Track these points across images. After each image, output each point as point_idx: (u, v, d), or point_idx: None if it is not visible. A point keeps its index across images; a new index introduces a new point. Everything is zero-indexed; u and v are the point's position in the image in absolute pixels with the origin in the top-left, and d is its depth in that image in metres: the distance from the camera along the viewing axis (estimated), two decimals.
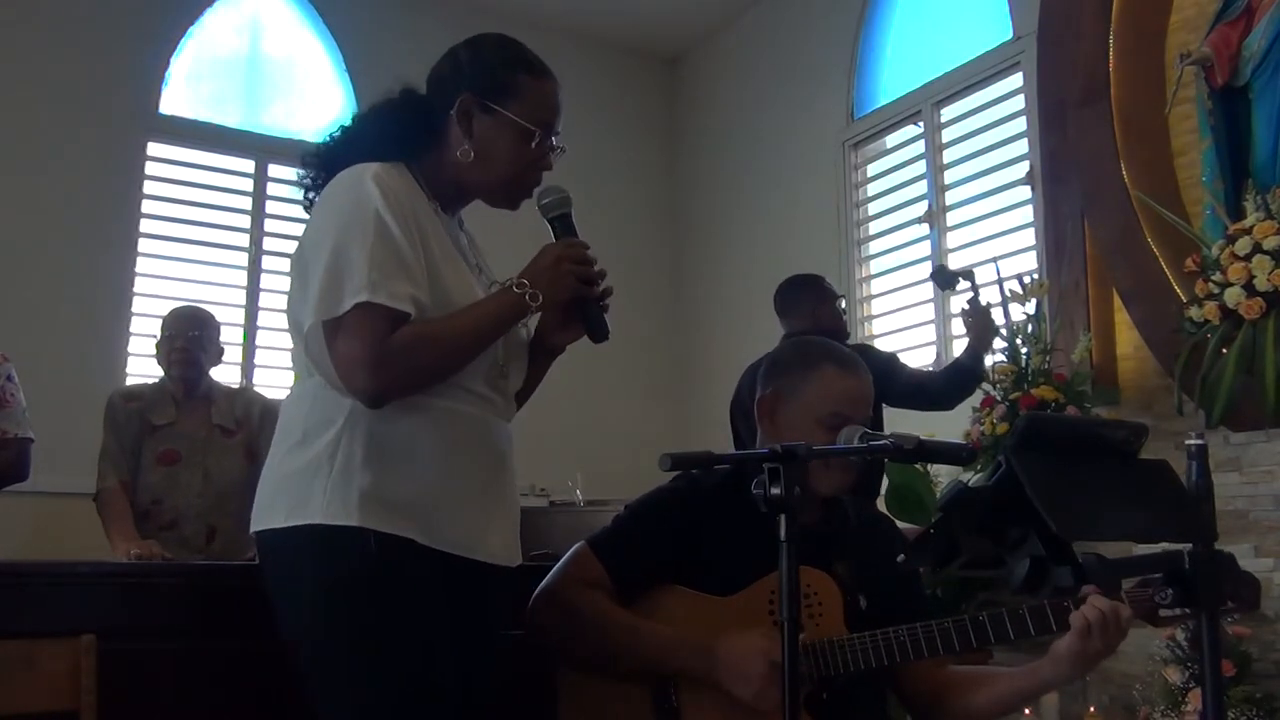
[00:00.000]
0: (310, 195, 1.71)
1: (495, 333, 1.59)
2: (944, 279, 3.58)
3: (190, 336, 3.06)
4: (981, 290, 3.45)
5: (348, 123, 1.74)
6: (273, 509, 1.57)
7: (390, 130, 1.67)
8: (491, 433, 1.65)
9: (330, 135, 1.72)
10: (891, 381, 3.21)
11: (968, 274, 3.48)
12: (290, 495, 1.54)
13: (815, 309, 3.44)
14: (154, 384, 3.16)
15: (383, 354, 1.48)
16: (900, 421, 3.28)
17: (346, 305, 1.49)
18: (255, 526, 1.60)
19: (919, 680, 1.82)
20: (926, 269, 4.59)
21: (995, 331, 3.47)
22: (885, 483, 3.43)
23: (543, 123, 1.67)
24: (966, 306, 3.42)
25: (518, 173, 1.69)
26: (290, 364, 5.47)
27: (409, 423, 1.55)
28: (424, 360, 1.53)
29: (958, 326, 4.38)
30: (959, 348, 4.31)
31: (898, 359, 3.43)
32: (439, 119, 1.68)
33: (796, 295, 3.51)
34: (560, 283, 1.61)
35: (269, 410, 3.17)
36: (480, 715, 1.62)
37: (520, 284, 1.60)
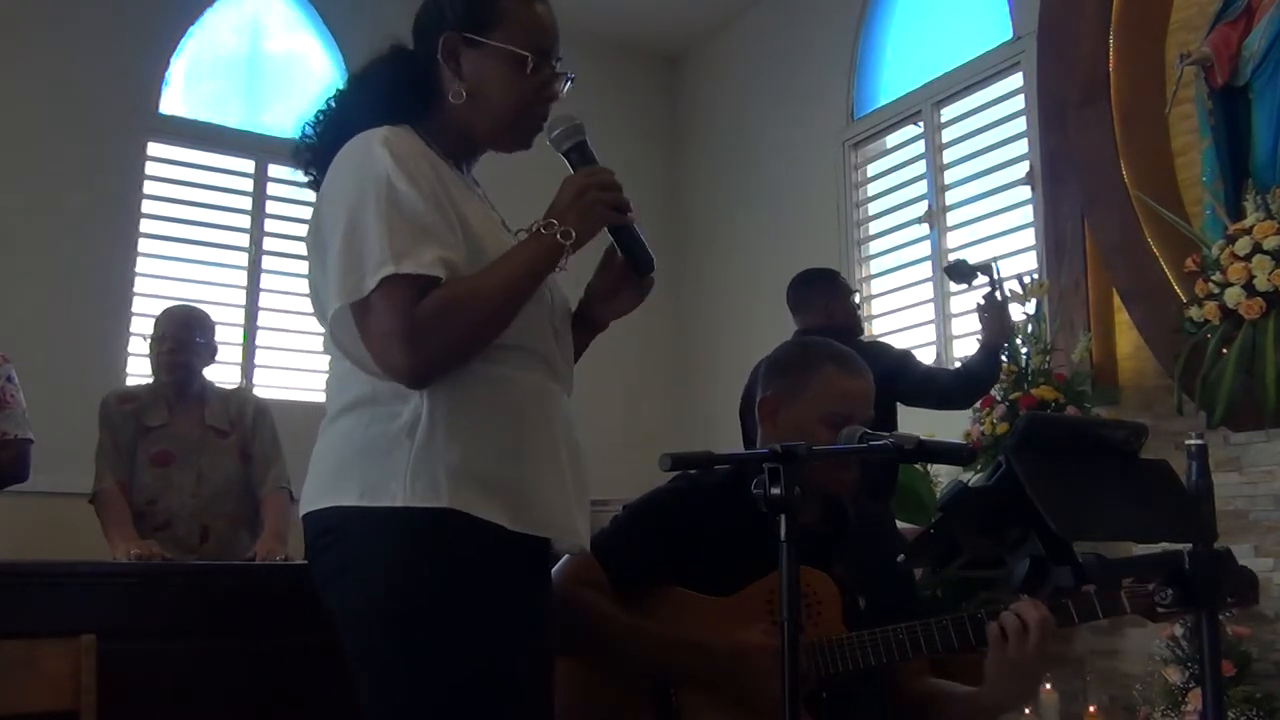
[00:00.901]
0: (312, 171, 1.59)
1: (532, 282, 1.45)
2: (961, 273, 3.43)
3: (179, 339, 3.05)
4: (999, 284, 3.33)
5: (342, 88, 1.62)
6: (342, 486, 1.43)
7: (386, 91, 1.55)
8: (565, 407, 1.56)
9: (327, 103, 1.61)
10: (904, 379, 3.18)
11: (986, 268, 3.36)
12: (365, 472, 1.41)
13: (829, 304, 3.38)
14: (148, 385, 3.15)
15: (416, 324, 1.36)
16: (902, 420, 3.28)
17: (371, 283, 1.37)
18: (316, 504, 1.45)
19: (904, 688, 1.82)
20: (927, 269, 4.59)
21: (1012, 327, 3.37)
22: None
23: (534, 46, 1.53)
24: (982, 301, 3.29)
25: (519, 106, 1.55)
26: (290, 363, 5.39)
27: (490, 396, 1.45)
28: (462, 323, 1.39)
29: (958, 326, 4.38)
30: (960, 348, 4.31)
31: (911, 356, 3.37)
32: (431, 69, 1.56)
33: (810, 290, 3.45)
34: (591, 213, 1.48)
35: (262, 411, 3.17)
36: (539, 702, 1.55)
37: (549, 224, 1.46)
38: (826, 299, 3.40)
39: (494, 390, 1.46)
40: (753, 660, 1.63)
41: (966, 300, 4.31)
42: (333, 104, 1.60)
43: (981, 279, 3.36)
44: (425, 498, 1.38)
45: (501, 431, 1.45)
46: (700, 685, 1.69)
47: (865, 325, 4.81)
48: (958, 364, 3.89)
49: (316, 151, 1.57)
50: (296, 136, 1.62)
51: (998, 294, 3.28)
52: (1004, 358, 3.53)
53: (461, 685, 1.39)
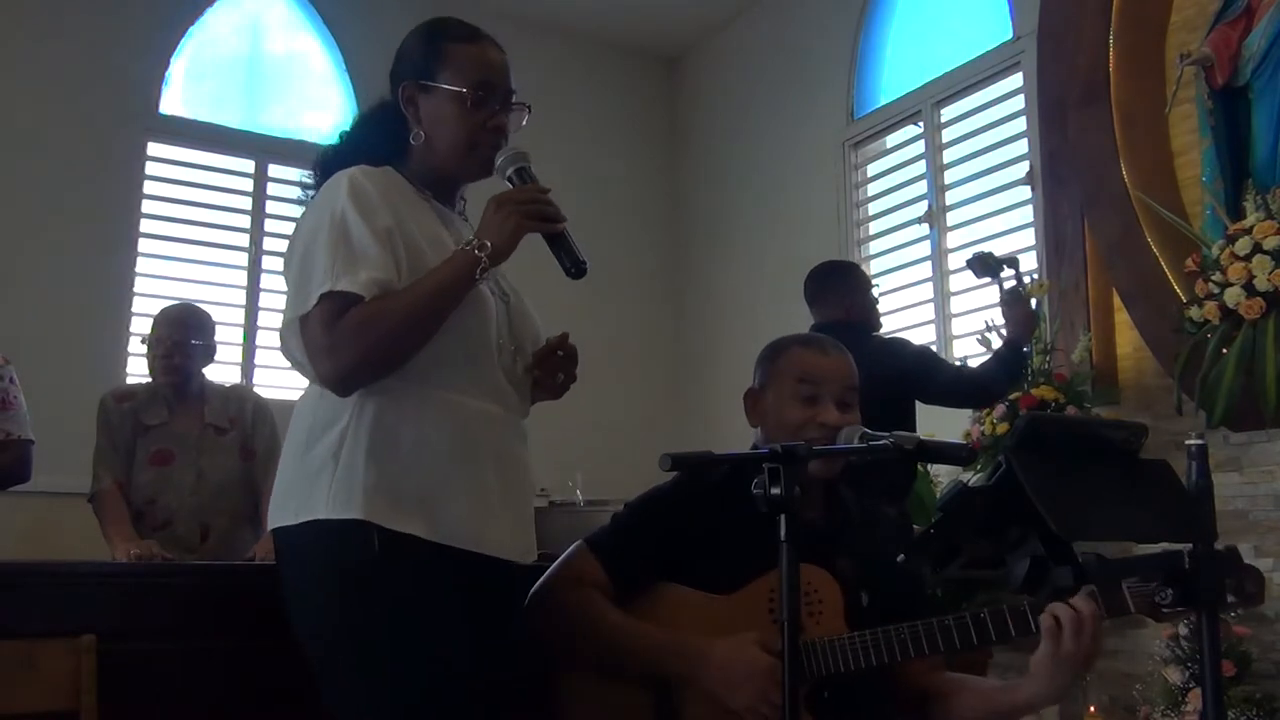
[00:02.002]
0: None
1: (452, 292, 1.56)
2: (987, 266, 3.33)
3: (175, 342, 3.03)
4: (1023, 278, 3.25)
5: (345, 130, 1.80)
6: (284, 508, 1.60)
7: (373, 135, 1.74)
8: (502, 427, 1.66)
9: (328, 146, 1.78)
10: (919, 377, 3.14)
11: (1011, 261, 3.28)
12: (298, 493, 1.57)
13: (845, 299, 3.31)
14: (147, 384, 3.14)
15: (338, 336, 1.51)
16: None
17: (313, 301, 1.53)
18: (269, 526, 1.63)
19: (910, 685, 1.81)
20: (927, 269, 4.58)
21: (1037, 322, 3.30)
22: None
23: (475, 83, 1.67)
24: (1006, 296, 3.21)
25: (468, 139, 1.68)
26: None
27: (415, 418, 1.57)
28: (380, 333, 1.52)
29: (959, 326, 4.38)
30: (960, 348, 4.31)
31: (929, 353, 3.33)
32: (403, 116, 1.73)
33: (826, 284, 3.38)
34: (507, 224, 1.58)
35: (261, 408, 3.16)
36: (497, 710, 1.62)
37: (469, 241, 1.58)
38: (843, 293, 3.33)
39: (422, 412, 1.58)
40: (735, 674, 1.62)
41: (967, 301, 4.33)
42: (332, 148, 1.76)
43: (1007, 273, 3.28)
44: (343, 510, 1.51)
45: (422, 449, 1.56)
46: (695, 689, 1.69)
47: None
48: (956, 363, 3.88)
49: (317, 188, 1.72)
50: (306, 175, 1.78)
51: (1021, 288, 3.20)
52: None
53: (399, 687, 1.49)
